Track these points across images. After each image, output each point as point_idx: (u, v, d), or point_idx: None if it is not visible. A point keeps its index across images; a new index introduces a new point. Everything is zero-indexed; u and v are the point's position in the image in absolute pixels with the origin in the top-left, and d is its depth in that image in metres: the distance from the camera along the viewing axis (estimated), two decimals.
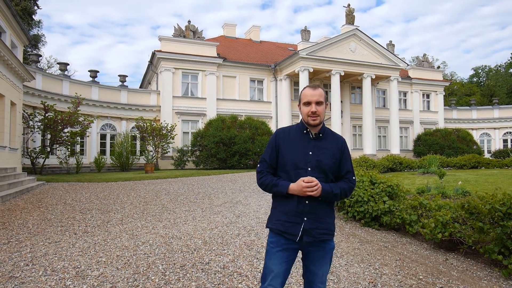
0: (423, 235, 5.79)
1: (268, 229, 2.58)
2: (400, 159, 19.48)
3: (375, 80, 29.75)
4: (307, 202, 2.39)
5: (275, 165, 2.56)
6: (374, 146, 28.66)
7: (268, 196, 9.69)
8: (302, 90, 2.56)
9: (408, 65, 32.62)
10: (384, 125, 32.01)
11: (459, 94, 54.58)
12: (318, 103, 2.45)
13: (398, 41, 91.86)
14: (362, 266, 4.82)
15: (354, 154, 27.66)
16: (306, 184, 2.31)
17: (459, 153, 27.43)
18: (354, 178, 2.56)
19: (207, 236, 6.12)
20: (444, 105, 36.04)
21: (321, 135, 2.52)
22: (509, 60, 54.43)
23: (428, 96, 34.90)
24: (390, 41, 31.22)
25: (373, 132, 28.54)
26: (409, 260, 5.12)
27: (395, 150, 28.33)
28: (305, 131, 2.53)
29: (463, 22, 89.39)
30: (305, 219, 2.40)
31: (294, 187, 2.36)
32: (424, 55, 36.20)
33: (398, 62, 28.90)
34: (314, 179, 2.32)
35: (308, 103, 2.47)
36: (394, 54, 29.13)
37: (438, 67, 53.82)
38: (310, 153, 2.45)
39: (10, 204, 8.70)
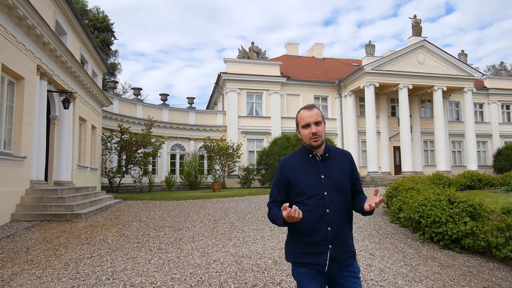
0: None
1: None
2: (479, 176, 18.09)
3: (447, 92, 28.18)
4: (329, 229, 2.30)
5: (285, 198, 2.46)
6: (448, 162, 26.99)
7: None
8: (298, 113, 2.47)
9: (483, 74, 30.52)
10: (458, 140, 30.09)
11: None
12: (316, 123, 2.36)
13: (472, 50, 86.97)
14: None
15: (426, 171, 26.22)
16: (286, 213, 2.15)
17: None
18: None
19: (276, 255, 6.07)
20: None
21: (327, 154, 2.44)
22: None
23: (508, 107, 32.33)
24: (462, 51, 29.54)
25: (446, 147, 26.91)
26: None
27: (472, 166, 26.41)
28: (310, 155, 2.44)
29: None
30: (330, 246, 2.30)
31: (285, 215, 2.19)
32: (502, 63, 33.70)
33: (472, 72, 27.20)
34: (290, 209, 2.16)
35: (307, 125, 2.38)
36: (467, 64, 27.49)
37: None
38: (323, 176, 2.37)
39: (92, 221, 9.32)
